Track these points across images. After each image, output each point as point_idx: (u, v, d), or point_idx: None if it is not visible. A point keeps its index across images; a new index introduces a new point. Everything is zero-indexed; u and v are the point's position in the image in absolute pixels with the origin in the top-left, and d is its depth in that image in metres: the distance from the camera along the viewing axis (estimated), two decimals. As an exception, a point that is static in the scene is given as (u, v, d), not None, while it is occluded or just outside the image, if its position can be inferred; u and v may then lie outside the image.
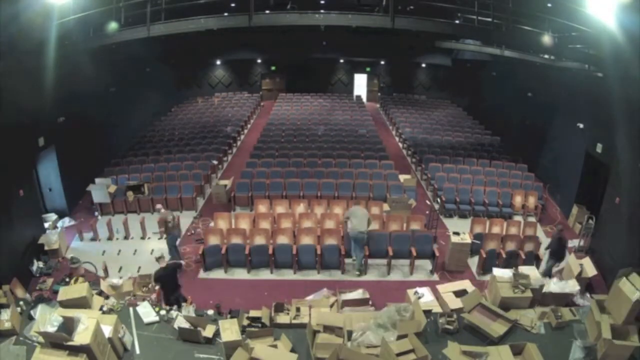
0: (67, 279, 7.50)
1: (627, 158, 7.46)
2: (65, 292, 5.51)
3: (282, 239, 8.10)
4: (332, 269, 8.05)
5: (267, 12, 10.53)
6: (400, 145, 15.87)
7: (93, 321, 4.86)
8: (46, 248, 8.17)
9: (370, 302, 6.59)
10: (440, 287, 6.88)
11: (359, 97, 21.66)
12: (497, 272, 6.12)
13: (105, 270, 7.80)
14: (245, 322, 5.85)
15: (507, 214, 10.14)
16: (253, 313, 6.03)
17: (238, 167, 12.52)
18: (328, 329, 5.39)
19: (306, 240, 8.07)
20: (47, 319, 4.86)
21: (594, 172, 9.24)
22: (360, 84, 23.01)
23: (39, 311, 5.46)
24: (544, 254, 7.94)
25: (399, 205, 9.67)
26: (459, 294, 6.68)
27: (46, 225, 8.99)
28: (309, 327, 5.49)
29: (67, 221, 9.60)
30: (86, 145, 10.92)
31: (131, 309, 6.16)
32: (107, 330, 5.21)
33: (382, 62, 22.20)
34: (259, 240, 8.12)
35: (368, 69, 22.46)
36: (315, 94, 21.03)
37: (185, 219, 9.89)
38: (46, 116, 8.92)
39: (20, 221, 7.50)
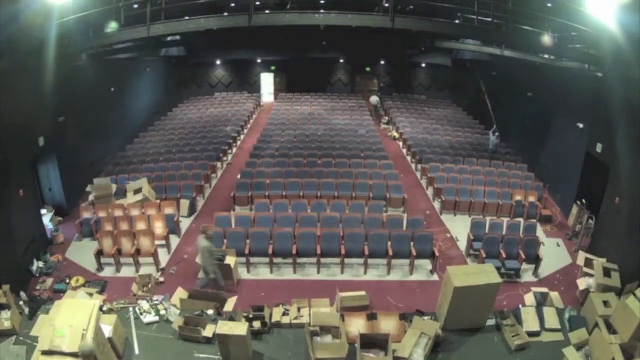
0: (68, 279, 7.53)
1: (627, 158, 7.46)
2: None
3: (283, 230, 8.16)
4: (332, 268, 8.07)
5: (267, 12, 10.56)
6: (400, 145, 15.87)
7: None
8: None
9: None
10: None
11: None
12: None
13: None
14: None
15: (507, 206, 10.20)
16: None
17: (238, 167, 12.52)
18: (325, 329, 5.41)
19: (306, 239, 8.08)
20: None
21: (594, 172, 9.24)
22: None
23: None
24: None
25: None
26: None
27: (47, 220, 9.04)
28: (307, 328, 5.50)
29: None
30: (86, 145, 10.93)
31: (131, 309, 6.17)
32: (107, 330, 5.23)
33: (382, 62, 22.20)
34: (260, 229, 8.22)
35: (368, 69, 22.45)
36: (315, 94, 21.04)
37: (186, 220, 9.90)
38: (46, 116, 8.92)
39: (20, 221, 7.50)
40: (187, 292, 6.52)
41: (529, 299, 6.96)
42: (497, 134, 13.65)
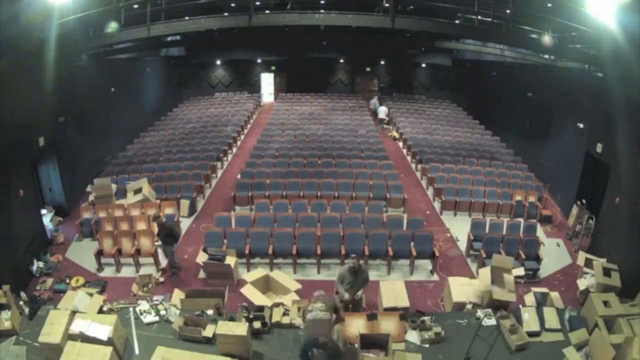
0: (68, 279, 7.53)
1: (627, 158, 7.46)
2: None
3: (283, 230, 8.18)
4: (332, 268, 8.06)
5: (267, 12, 10.56)
6: (400, 144, 15.87)
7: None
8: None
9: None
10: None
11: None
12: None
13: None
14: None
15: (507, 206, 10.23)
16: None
17: (238, 167, 12.52)
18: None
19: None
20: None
21: (594, 172, 9.25)
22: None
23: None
24: None
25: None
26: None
27: (47, 220, 9.04)
28: None
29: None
30: (86, 145, 10.93)
31: (131, 309, 6.17)
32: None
33: (382, 62, 22.21)
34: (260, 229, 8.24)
35: (368, 69, 22.46)
36: (315, 94, 21.04)
37: (186, 219, 9.90)
38: (46, 116, 8.92)
39: (20, 221, 7.50)
40: (184, 292, 6.51)
41: (529, 299, 6.96)
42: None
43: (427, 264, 8.22)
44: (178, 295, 6.57)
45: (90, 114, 11.17)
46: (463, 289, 6.67)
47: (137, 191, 9.84)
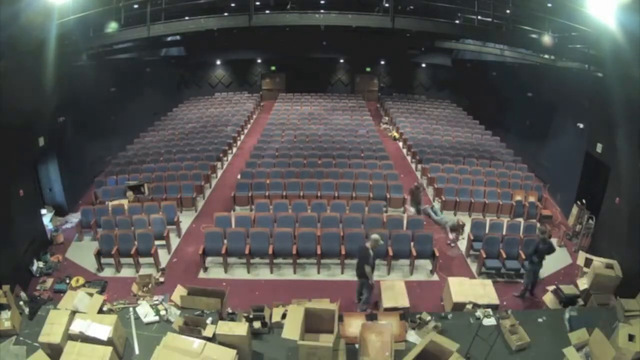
0: (68, 279, 7.53)
1: (627, 158, 7.46)
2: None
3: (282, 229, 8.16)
4: (332, 268, 8.07)
5: (267, 12, 10.56)
6: (400, 144, 15.86)
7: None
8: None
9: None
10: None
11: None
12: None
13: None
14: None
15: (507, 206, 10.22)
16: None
17: (238, 167, 12.52)
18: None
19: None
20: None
21: (594, 172, 9.25)
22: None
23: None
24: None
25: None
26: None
27: (47, 220, 9.04)
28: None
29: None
30: (86, 145, 10.93)
31: (131, 309, 6.17)
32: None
33: (382, 62, 22.22)
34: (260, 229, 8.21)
35: (368, 69, 22.45)
36: (315, 94, 21.04)
37: (186, 219, 9.90)
38: (46, 116, 8.92)
39: (20, 221, 7.50)
40: (186, 289, 6.51)
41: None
42: None
43: (427, 264, 8.22)
44: (179, 291, 6.57)
45: (90, 114, 11.17)
46: (463, 289, 6.67)
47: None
